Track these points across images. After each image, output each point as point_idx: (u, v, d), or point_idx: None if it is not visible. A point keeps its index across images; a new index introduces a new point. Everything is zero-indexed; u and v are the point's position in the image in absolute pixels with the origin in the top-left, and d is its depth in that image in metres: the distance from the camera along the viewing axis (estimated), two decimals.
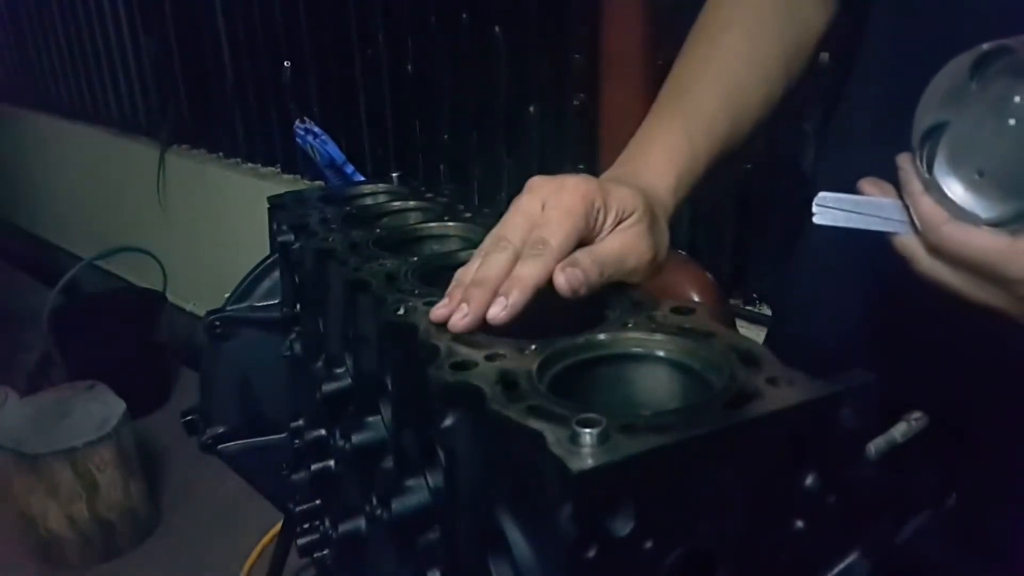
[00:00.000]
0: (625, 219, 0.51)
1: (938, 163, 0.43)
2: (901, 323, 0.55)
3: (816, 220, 0.45)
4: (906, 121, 0.43)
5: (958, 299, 0.43)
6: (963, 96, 0.41)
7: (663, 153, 0.58)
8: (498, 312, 0.46)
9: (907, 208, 0.44)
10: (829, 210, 0.45)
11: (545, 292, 0.48)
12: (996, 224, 0.41)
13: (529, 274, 0.46)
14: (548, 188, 0.49)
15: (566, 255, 0.48)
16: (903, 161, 0.44)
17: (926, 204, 0.42)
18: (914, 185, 0.43)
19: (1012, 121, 0.40)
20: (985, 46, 0.40)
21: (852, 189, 0.46)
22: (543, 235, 0.48)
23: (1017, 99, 0.40)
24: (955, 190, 0.42)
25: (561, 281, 0.46)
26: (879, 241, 0.45)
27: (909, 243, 0.44)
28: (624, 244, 0.51)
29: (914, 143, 0.43)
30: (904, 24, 0.54)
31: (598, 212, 0.49)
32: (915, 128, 0.42)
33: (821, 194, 0.45)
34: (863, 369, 0.40)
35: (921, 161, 0.43)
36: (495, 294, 0.46)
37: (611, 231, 0.51)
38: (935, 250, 0.42)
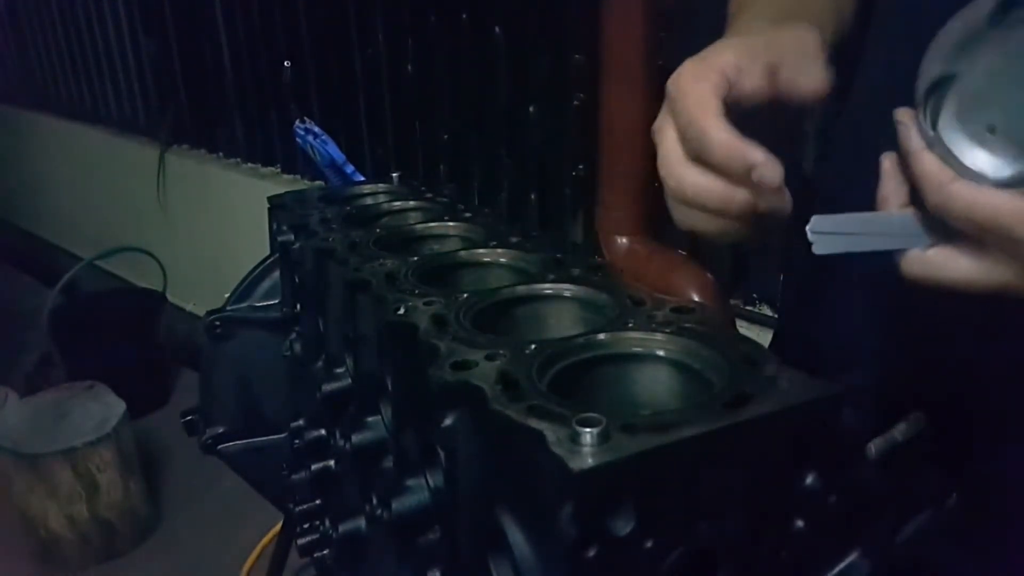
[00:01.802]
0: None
1: (943, 119, 0.38)
2: (902, 324, 0.55)
3: (816, 251, 0.41)
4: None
5: (967, 295, 0.39)
6: (978, 45, 0.37)
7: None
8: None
9: (917, 216, 0.39)
10: (827, 236, 0.41)
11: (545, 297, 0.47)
12: (1006, 185, 0.37)
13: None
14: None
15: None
16: (903, 116, 0.39)
17: (929, 162, 0.38)
18: (915, 141, 0.39)
19: None
20: None
21: (858, 191, 0.43)
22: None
23: None
24: (961, 148, 0.38)
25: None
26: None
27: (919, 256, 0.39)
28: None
29: (918, 96, 0.39)
30: (909, 21, 0.54)
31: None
32: (920, 80, 0.38)
33: (814, 219, 0.41)
34: (864, 370, 0.40)
35: (924, 116, 0.38)
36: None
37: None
38: (940, 210, 0.38)
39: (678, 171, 0.45)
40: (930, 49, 0.38)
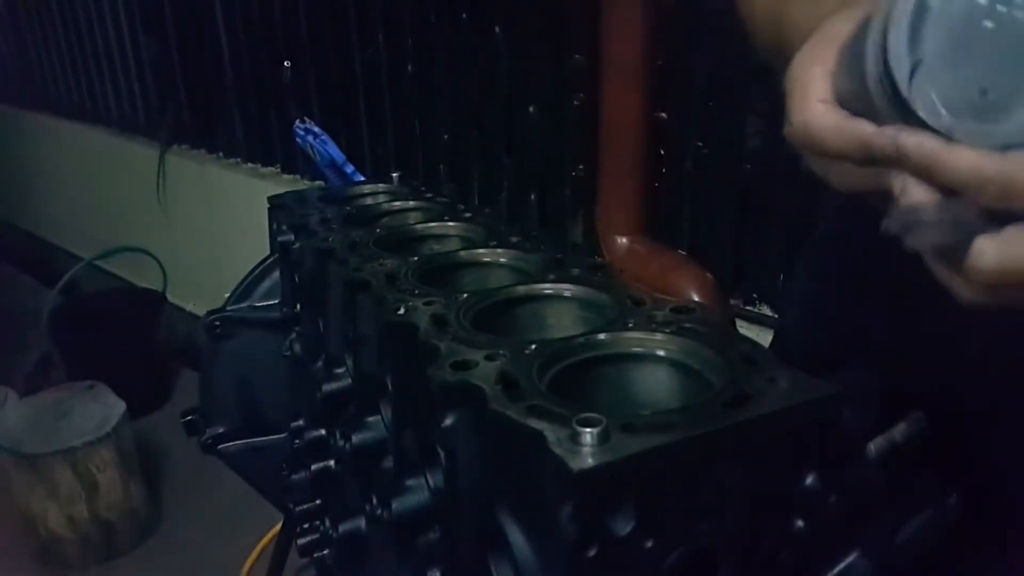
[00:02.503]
0: None
1: (939, 104, 0.34)
2: (903, 323, 0.55)
3: (909, 244, 0.35)
4: None
5: None
6: (926, 21, 0.34)
7: None
8: None
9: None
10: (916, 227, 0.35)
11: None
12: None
13: None
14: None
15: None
16: (893, 136, 0.33)
17: (967, 157, 0.32)
18: (929, 141, 0.33)
19: (989, 24, 0.34)
20: None
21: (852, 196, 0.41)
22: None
23: None
24: (971, 127, 0.34)
25: None
26: (881, 242, 0.41)
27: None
28: None
29: (907, 96, 0.34)
30: None
31: None
32: (899, 82, 0.34)
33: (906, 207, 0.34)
34: (864, 370, 0.39)
35: (920, 112, 0.34)
36: None
37: None
38: (1004, 194, 0.32)
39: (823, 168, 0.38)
40: (890, 49, 0.35)
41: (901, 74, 0.35)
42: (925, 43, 0.35)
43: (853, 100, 0.37)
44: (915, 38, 0.34)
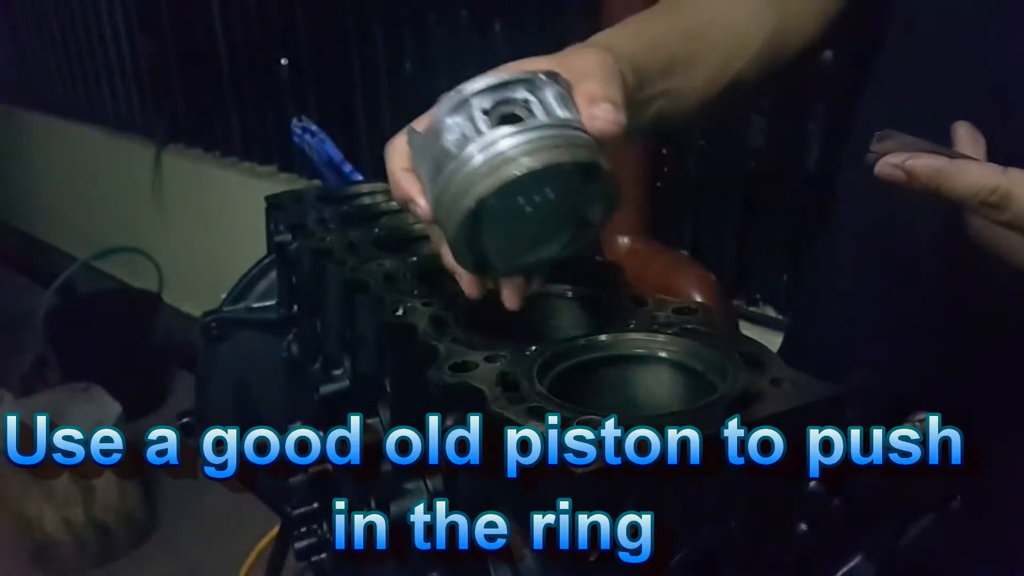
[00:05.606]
0: None
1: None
2: (909, 326, 0.55)
3: (877, 171, 0.40)
4: (926, 116, 0.41)
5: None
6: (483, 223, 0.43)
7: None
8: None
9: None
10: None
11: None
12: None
13: None
14: None
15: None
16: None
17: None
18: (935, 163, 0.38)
19: (529, 209, 0.43)
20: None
21: (871, 194, 0.42)
22: None
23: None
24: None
25: None
26: (889, 243, 0.42)
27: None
28: None
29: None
30: (929, 23, 0.54)
31: None
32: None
33: (881, 134, 0.40)
34: (868, 371, 0.39)
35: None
36: None
37: None
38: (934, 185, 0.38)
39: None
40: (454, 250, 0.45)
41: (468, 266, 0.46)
42: (485, 240, 0.44)
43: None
44: (473, 237, 0.43)
